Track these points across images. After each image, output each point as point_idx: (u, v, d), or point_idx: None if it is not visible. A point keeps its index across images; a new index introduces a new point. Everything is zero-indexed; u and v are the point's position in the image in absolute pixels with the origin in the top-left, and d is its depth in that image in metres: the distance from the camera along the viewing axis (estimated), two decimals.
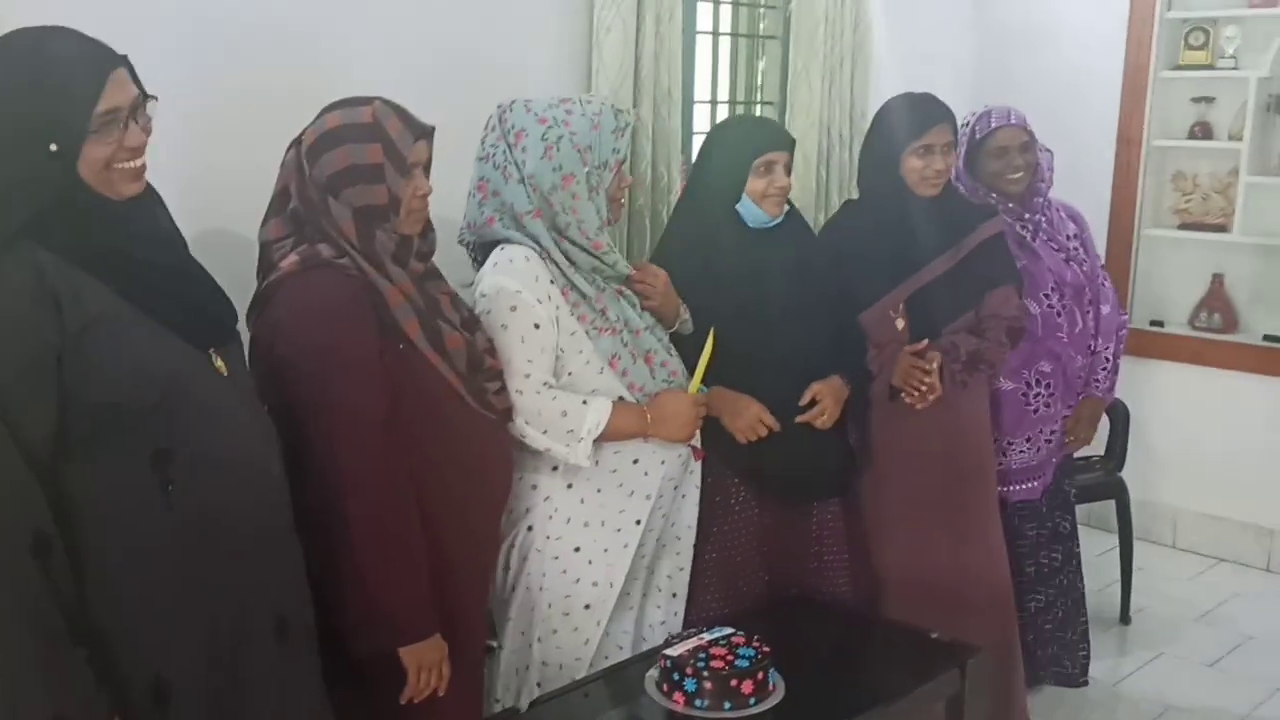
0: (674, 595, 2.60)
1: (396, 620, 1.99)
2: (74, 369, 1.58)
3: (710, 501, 2.65)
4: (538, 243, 2.32)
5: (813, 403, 2.68)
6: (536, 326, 2.29)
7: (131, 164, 1.69)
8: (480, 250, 2.44)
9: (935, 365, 2.80)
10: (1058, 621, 3.39)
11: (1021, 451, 3.23)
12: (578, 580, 2.39)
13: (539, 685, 2.40)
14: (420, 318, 2.05)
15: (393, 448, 1.99)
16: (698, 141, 3.89)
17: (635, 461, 2.40)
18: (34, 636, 1.51)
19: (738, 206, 2.65)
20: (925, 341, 2.85)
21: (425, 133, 2.10)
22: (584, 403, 2.30)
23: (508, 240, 2.34)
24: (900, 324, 2.87)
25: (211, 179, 2.37)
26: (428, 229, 2.16)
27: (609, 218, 2.42)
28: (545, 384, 2.29)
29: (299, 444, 1.90)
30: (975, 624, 2.94)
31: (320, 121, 2.07)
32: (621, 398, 2.36)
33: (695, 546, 2.62)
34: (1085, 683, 3.47)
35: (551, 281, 2.32)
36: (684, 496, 2.54)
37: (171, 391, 1.67)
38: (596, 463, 2.34)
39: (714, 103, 3.95)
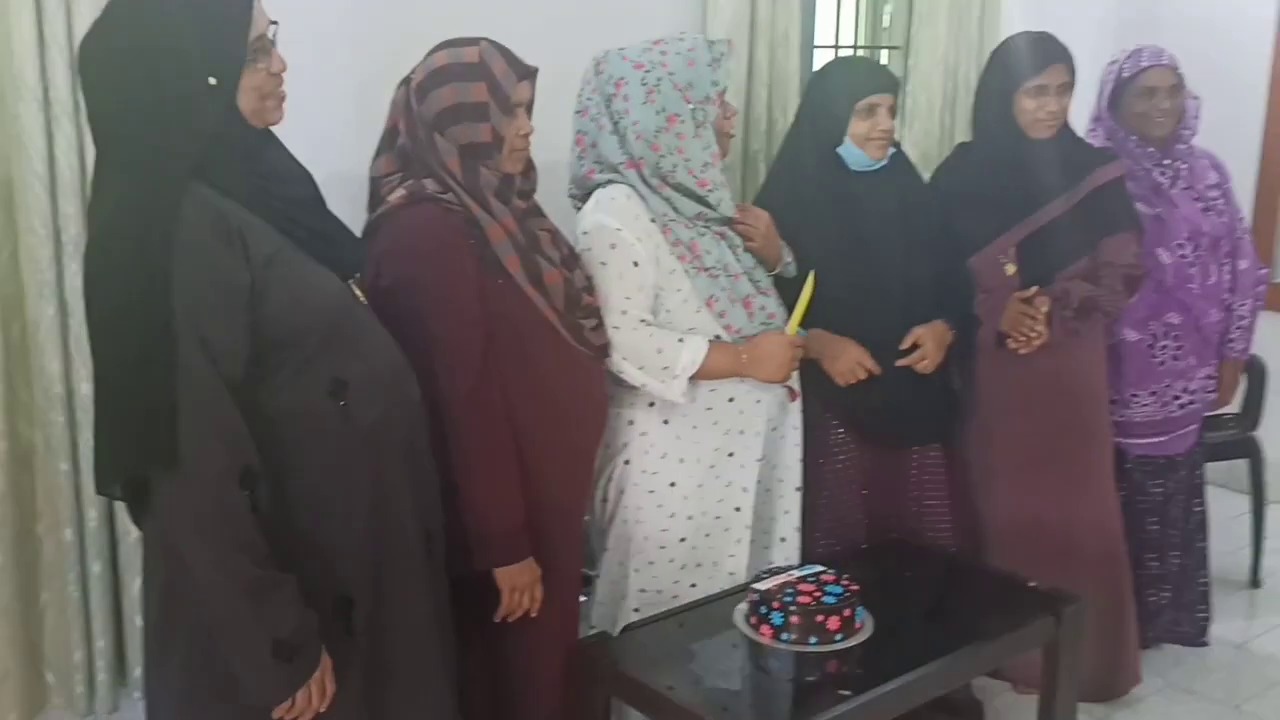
0: (783, 540, 2.63)
1: (492, 542, 2.08)
2: (260, 304, 1.65)
3: (812, 444, 2.67)
4: (634, 190, 2.36)
5: (914, 347, 2.66)
6: (635, 264, 2.33)
7: (281, 89, 1.73)
8: (585, 202, 2.49)
9: (1044, 311, 2.74)
10: (1177, 581, 3.31)
11: (1145, 405, 3.14)
12: (673, 515, 2.44)
13: (636, 611, 2.47)
14: (520, 253, 2.11)
15: (489, 380, 2.08)
16: None
17: (731, 400, 2.43)
18: (250, 567, 1.60)
19: (839, 150, 2.65)
20: (1035, 289, 2.79)
21: (528, 73, 2.15)
22: (680, 340, 2.33)
23: (609, 184, 2.38)
24: (1010, 269, 2.82)
25: (326, 119, 2.46)
26: (529, 168, 2.22)
27: (717, 151, 2.42)
28: (642, 320, 2.33)
29: None
30: (1083, 577, 2.89)
31: (429, 60, 2.15)
32: (718, 337, 2.39)
33: (803, 490, 2.64)
34: (1205, 643, 3.38)
35: (652, 220, 2.35)
36: (782, 438, 2.56)
37: (339, 322, 1.76)
38: (692, 400, 2.38)
39: (837, 46, 3.91)
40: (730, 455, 2.46)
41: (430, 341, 2.01)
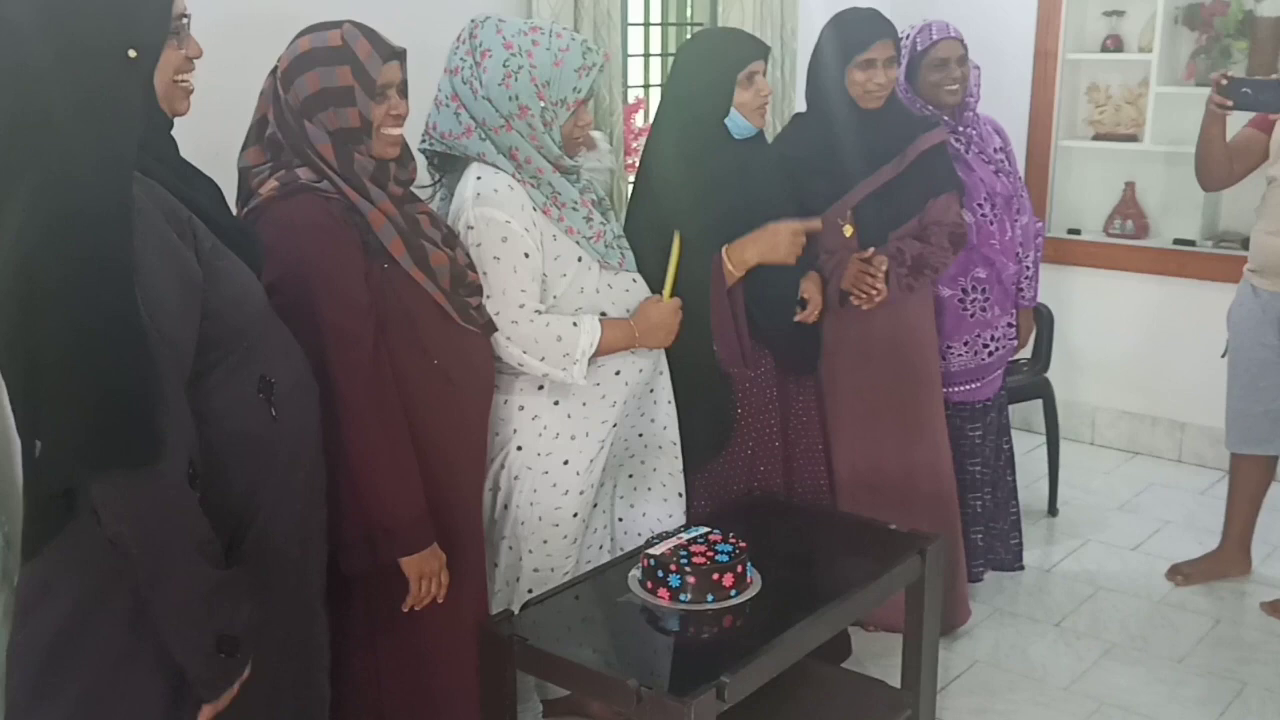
0: (679, 494, 2.72)
1: (397, 532, 2.06)
2: (205, 300, 1.58)
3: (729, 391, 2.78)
4: (513, 158, 2.35)
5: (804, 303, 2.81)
6: (527, 255, 2.34)
7: (191, 76, 1.65)
8: (445, 163, 2.47)
9: (883, 270, 2.92)
10: (993, 514, 3.59)
11: (960, 355, 3.39)
12: (566, 492, 2.48)
13: (529, 592, 2.51)
14: (404, 237, 2.09)
15: (382, 367, 2.06)
16: (634, 65, 3.97)
17: (617, 373, 2.49)
18: (209, 567, 1.55)
19: (726, 120, 2.71)
20: (872, 250, 2.97)
21: (395, 54, 2.11)
22: (574, 325, 2.37)
23: (482, 157, 2.36)
24: (848, 231, 2.99)
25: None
26: (406, 155, 2.19)
27: (561, 154, 2.40)
28: (537, 311, 2.36)
29: None
30: (923, 519, 3.08)
31: (293, 46, 2.09)
32: (604, 313, 2.44)
33: (732, 440, 2.78)
34: (1021, 567, 3.70)
35: (535, 208, 2.37)
36: (655, 402, 2.65)
37: (265, 318, 1.71)
38: (594, 381, 2.44)
39: (646, 25, 3.99)
40: (614, 426, 2.52)
41: (320, 332, 1.97)
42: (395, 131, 2.13)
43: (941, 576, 2.62)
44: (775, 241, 2.67)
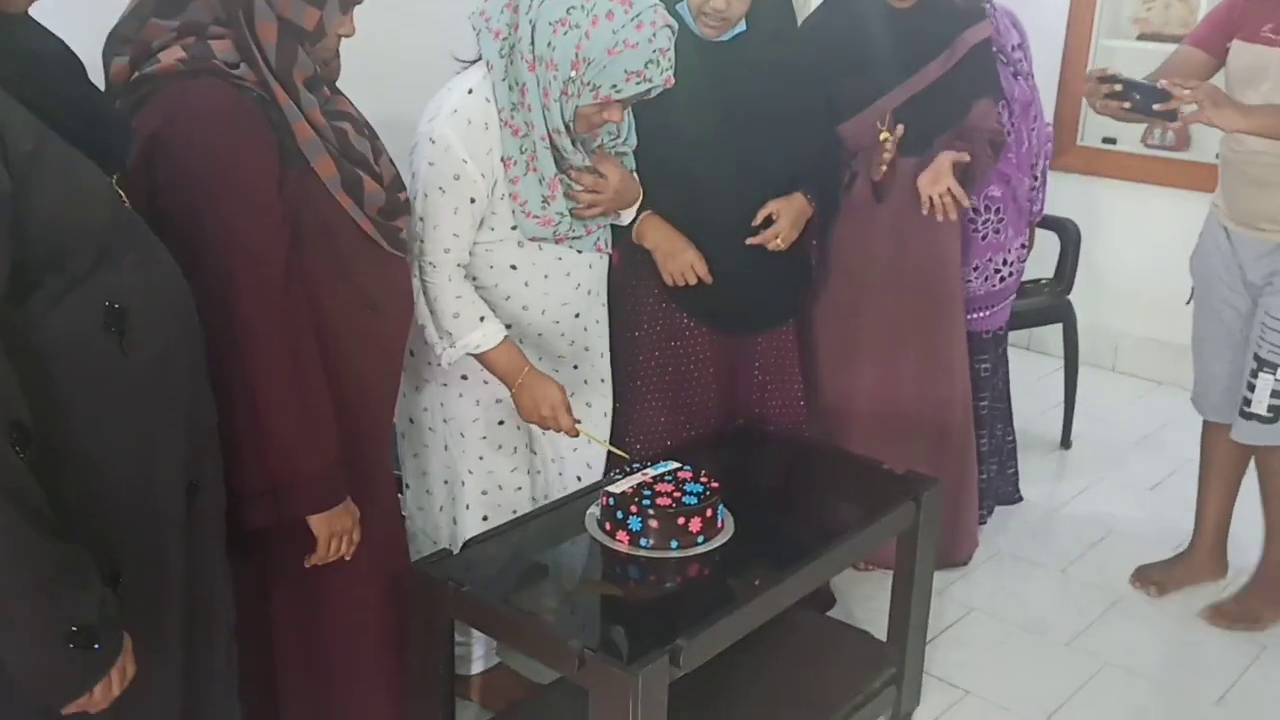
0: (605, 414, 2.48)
1: (303, 485, 1.76)
2: (21, 214, 1.28)
3: (660, 327, 2.54)
4: (518, 92, 2.07)
5: (768, 222, 2.47)
6: (473, 201, 2.09)
7: None
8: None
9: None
10: (993, 446, 3.32)
11: (969, 281, 3.07)
12: (477, 401, 2.27)
13: (485, 520, 2.28)
14: (334, 158, 1.76)
15: (293, 291, 1.73)
16: None
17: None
18: (42, 545, 1.26)
19: (678, 8, 2.36)
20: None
21: None
22: (480, 319, 2.13)
23: (489, 69, 2.08)
24: (884, 136, 2.62)
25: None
26: (333, 55, 1.85)
27: (562, 130, 2.09)
28: (459, 266, 2.12)
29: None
30: (939, 452, 2.89)
31: None
32: (508, 335, 2.17)
33: (648, 369, 2.54)
34: (1020, 498, 3.45)
35: (503, 158, 2.10)
36: (596, 322, 2.41)
37: (113, 233, 1.41)
38: (459, 373, 2.23)
39: None
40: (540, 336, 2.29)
41: (219, 246, 1.64)
42: (335, 48, 1.81)
43: (937, 524, 2.36)
44: (676, 257, 2.41)
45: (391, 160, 1.94)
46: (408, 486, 2.41)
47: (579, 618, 1.92)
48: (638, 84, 2.03)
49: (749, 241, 2.46)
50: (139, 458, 1.45)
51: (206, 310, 1.57)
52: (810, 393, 2.79)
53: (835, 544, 2.11)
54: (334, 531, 1.81)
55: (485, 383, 2.23)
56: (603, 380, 2.45)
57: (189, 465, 1.53)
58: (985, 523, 3.27)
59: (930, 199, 2.56)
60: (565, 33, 2.01)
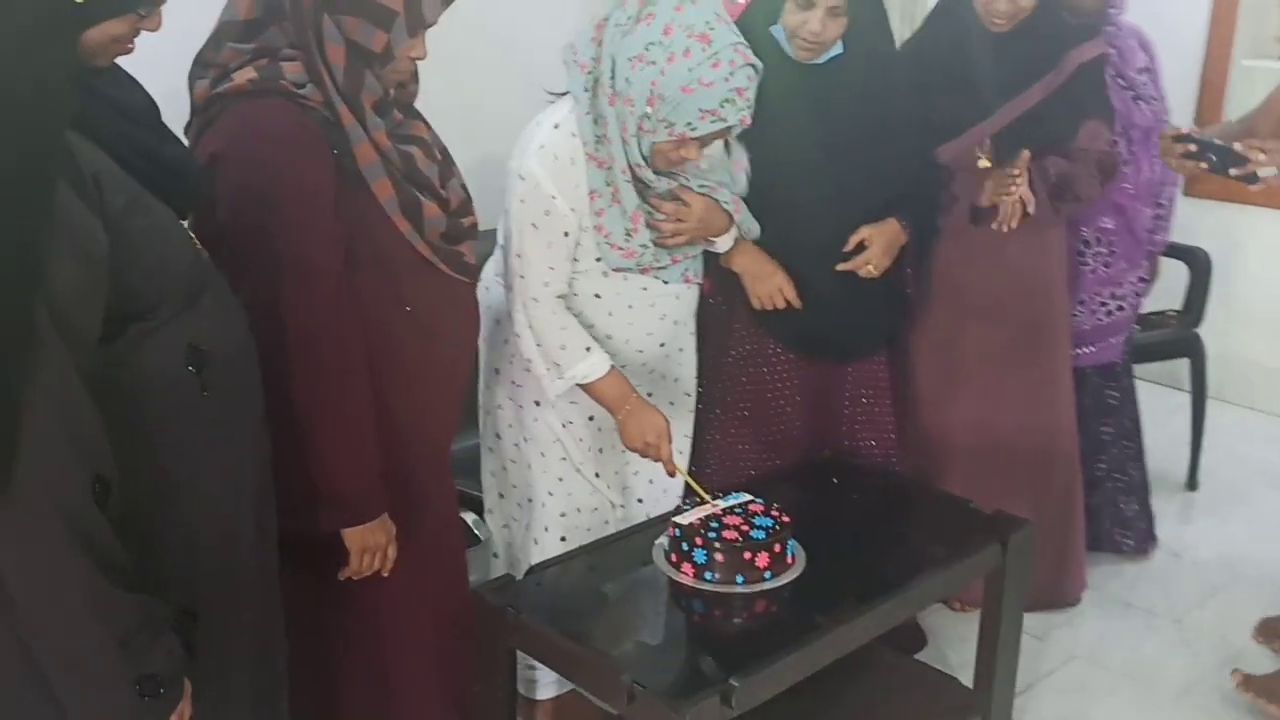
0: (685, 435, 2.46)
1: (343, 502, 1.78)
2: (114, 268, 1.32)
3: (742, 353, 2.51)
4: (600, 126, 2.07)
5: (860, 248, 2.40)
6: (565, 234, 2.10)
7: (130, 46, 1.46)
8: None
9: (1022, 168, 2.46)
10: (1118, 489, 3.15)
11: (1074, 314, 2.93)
12: (570, 424, 2.26)
13: (563, 540, 2.28)
14: (394, 179, 1.77)
15: (348, 314, 1.75)
16: None
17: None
18: (126, 601, 1.28)
19: (772, 30, 2.32)
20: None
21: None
22: (587, 349, 2.14)
23: (577, 103, 2.07)
24: (984, 163, 2.53)
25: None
26: (412, 81, 1.90)
27: (642, 164, 2.09)
28: (560, 297, 2.14)
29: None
30: (1042, 489, 2.78)
31: None
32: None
33: (734, 396, 2.51)
34: (1145, 551, 3.25)
35: (591, 193, 2.10)
36: (681, 350, 2.40)
37: (192, 275, 1.46)
38: (571, 401, 2.23)
39: None
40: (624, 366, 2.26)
41: (272, 261, 1.67)
42: (408, 71, 1.84)
43: (1028, 567, 2.25)
44: (764, 281, 2.37)
45: (464, 185, 1.95)
46: (489, 510, 2.42)
47: (634, 651, 1.88)
48: (713, 123, 2.01)
49: (839, 267, 2.40)
50: (220, 493, 1.49)
51: (257, 325, 1.60)
52: (908, 425, 2.70)
53: (907, 586, 2.03)
54: (367, 546, 1.82)
55: (573, 403, 2.22)
56: (688, 410, 2.42)
57: (257, 500, 1.57)
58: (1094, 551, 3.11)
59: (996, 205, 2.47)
60: (642, 69, 2.01)
